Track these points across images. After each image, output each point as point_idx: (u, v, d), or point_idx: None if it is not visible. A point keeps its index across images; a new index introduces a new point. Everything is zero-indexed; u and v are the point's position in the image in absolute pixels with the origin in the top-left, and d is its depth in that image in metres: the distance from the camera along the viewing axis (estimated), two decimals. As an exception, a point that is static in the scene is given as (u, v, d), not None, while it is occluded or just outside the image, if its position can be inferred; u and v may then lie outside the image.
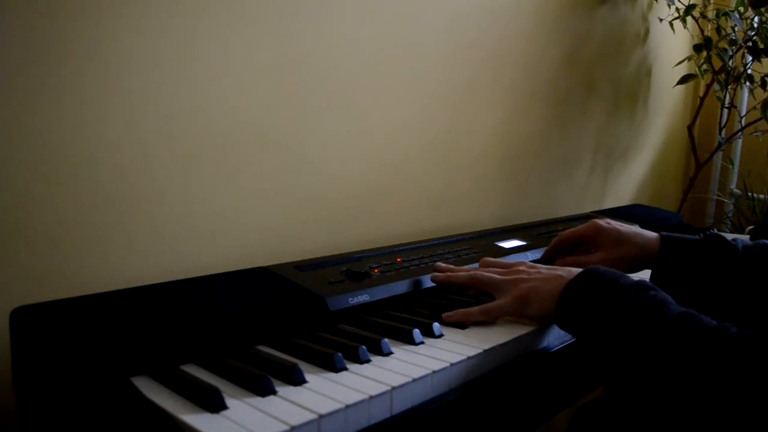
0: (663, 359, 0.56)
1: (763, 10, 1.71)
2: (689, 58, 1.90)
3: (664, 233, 0.86)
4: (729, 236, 0.84)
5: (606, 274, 0.65)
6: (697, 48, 1.81)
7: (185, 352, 0.56)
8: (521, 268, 0.75)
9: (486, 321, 0.70)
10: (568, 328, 0.66)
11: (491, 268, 0.77)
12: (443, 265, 0.81)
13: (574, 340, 0.71)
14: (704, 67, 1.84)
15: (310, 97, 0.94)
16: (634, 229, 0.87)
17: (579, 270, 0.68)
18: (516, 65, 1.34)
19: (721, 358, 0.53)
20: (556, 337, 0.71)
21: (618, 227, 0.87)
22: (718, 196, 2.26)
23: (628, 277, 0.65)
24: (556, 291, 0.67)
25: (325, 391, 0.50)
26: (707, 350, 0.54)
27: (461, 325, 0.68)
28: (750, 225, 1.96)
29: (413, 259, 0.85)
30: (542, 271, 0.72)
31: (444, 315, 0.69)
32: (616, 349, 0.60)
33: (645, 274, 0.83)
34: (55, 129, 0.69)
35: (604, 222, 0.88)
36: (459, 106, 1.21)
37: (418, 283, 0.78)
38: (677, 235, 0.86)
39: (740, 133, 1.97)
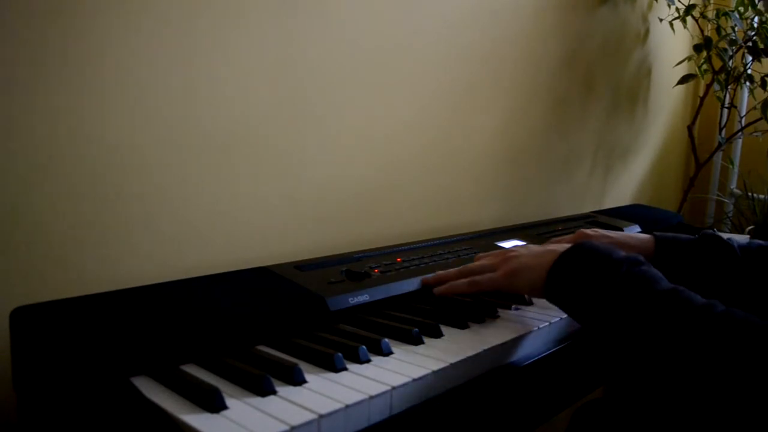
0: (651, 333, 0.56)
1: (763, 10, 1.71)
2: (689, 58, 1.90)
3: (658, 233, 0.86)
4: (724, 236, 0.84)
5: (598, 247, 0.65)
6: (697, 48, 1.81)
7: (185, 352, 0.56)
8: (514, 249, 0.75)
9: (472, 291, 0.72)
10: (557, 300, 0.66)
11: (483, 254, 0.78)
12: (441, 272, 0.79)
13: (573, 341, 0.71)
14: (704, 67, 1.84)
15: (310, 97, 0.94)
16: (625, 233, 0.88)
17: (571, 244, 0.68)
18: (516, 65, 1.34)
19: (708, 334, 0.53)
20: (556, 337, 0.71)
21: (608, 233, 0.88)
22: (718, 196, 2.26)
23: (620, 251, 0.65)
24: (547, 264, 0.67)
25: (325, 391, 0.50)
26: (695, 326, 0.54)
27: (462, 324, 0.68)
28: (750, 225, 1.96)
29: (413, 259, 0.85)
30: (533, 248, 0.73)
31: (435, 290, 0.70)
32: (603, 322, 0.60)
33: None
34: (55, 129, 0.69)
35: (591, 230, 0.89)
36: (459, 106, 1.21)
37: (418, 283, 0.78)
38: (671, 234, 0.86)
39: (740, 133, 1.97)
